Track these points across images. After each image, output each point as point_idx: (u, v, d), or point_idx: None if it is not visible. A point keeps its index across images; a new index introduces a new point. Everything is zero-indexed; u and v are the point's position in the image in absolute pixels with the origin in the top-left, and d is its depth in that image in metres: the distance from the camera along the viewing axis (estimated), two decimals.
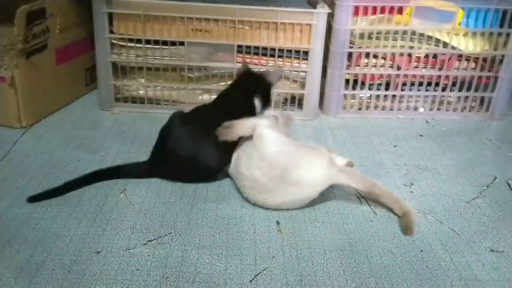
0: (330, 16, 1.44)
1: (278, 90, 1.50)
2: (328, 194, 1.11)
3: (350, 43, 1.47)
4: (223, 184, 1.15)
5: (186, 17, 1.40)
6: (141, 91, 1.51)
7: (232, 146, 1.12)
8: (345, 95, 1.55)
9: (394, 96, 1.56)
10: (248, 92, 1.23)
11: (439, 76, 1.54)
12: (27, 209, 1.02)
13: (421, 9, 1.45)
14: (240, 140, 1.11)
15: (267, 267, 0.90)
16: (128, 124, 1.43)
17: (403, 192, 1.16)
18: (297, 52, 1.46)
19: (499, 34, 1.50)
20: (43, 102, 1.41)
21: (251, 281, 0.87)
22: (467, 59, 1.53)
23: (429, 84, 1.56)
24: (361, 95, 1.56)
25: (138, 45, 1.44)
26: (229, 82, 1.39)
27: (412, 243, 0.99)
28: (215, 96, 1.30)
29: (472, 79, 1.55)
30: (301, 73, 1.49)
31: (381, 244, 0.98)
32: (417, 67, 1.53)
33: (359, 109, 1.57)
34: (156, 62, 1.46)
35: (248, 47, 1.45)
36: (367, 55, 1.49)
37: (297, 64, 1.48)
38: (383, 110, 1.58)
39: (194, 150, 1.10)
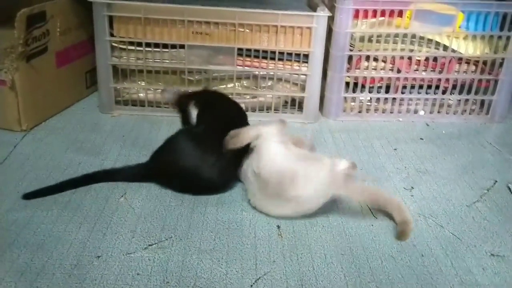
0: (331, 19, 1.44)
1: (279, 93, 1.50)
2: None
3: (350, 46, 1.47)
4: None
5: (187, 20, 1.40)
6: (141, 94, 1.51)
7: (238, 161, 1.12)
8: (345, 98, 1.55)
9: (394, 99, 1.56)
10: None
11: (439, 79, 1.54)
12: (28, 213, 1.01)
13: (421, 12, 1.45)
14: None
15: (268, 271, 0.90)
16: (128, 127, 1.42)
17: (404, 195, 1.16)
18: (297, 55, 1.46)
19: (499, 37, 1.50)
20: (43, 105, 1.41)
21: (251, 285, 0.87)
22: (467, 62, 1.53)
23: (429, 87, 1.56)
24: (361, 98, 1.56)
25: (138, 48, 1.44)
26: (229, 85, 1.38)
27: (413, 247, 0.99)
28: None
29: (472, 82, 1.55)
30: (301, 76, 1.49)
31: (382, 248, 0.98)
32: (417, 70, 1.53)
33: (359, 112, 1.57)
34: (156, 65, 1.46)
35: (248, 50, 1.45)
36: (367, 58, 1.49)
37: (297, 67, 1.47)
38: (383, 113, 1.58)
39: (199, 165, 1.08)
